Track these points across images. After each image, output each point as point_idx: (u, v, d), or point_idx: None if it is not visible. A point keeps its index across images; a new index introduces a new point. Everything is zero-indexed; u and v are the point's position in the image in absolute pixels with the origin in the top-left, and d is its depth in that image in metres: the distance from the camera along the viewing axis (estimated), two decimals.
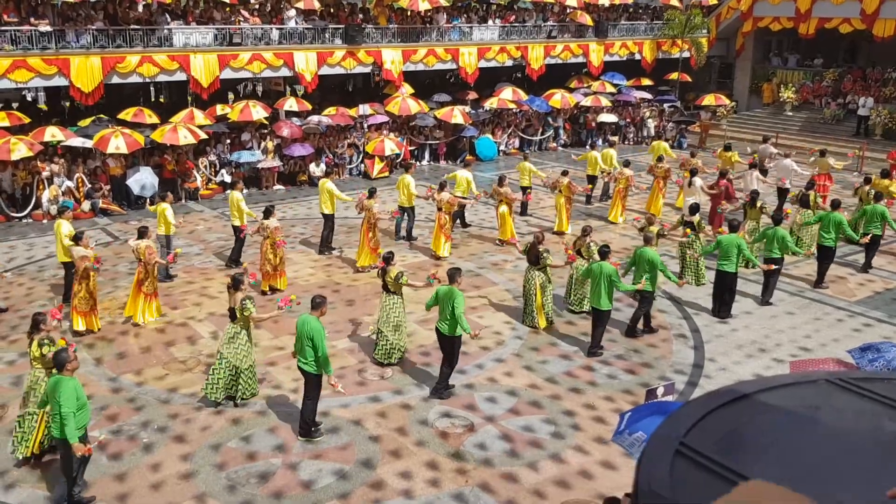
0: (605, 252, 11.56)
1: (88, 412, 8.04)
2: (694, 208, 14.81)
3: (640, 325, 12.48)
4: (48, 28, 20.72)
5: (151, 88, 29.65)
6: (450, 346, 10.20)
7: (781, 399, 1.81)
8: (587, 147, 27.52)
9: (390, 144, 23.73)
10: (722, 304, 13.24)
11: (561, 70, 32.19)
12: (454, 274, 10.24)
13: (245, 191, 16.49)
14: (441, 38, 28.22)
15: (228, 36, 23.58)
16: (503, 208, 16.99)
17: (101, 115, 22.98)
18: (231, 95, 29.75)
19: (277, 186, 23.05)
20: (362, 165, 24.64)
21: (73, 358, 7.85)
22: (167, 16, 23.38)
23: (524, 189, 19.23)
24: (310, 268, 15.70)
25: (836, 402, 1.81)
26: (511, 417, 9.88)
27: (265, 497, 8.27)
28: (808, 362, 8.23)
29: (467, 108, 27.23)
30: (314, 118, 24.10)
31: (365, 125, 25.32)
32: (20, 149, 18.47)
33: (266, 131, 23.76)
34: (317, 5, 26.24)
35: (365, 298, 13.92)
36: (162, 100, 29.86)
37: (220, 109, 24.02)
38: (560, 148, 29.43)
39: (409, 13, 28.29)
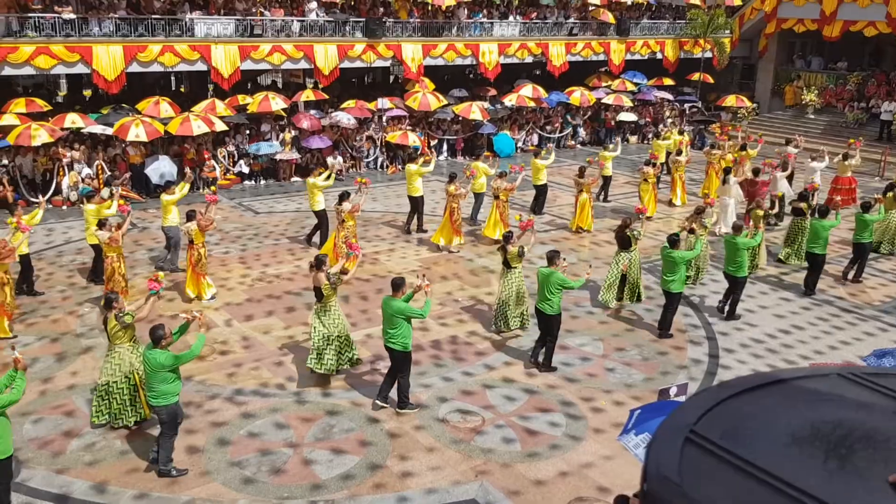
0: (552, 256, 10.94)
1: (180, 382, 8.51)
2: (803, 196, 15.87)
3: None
4: (72, 16, 20.88)
5: (172, 78, 29.81)
6: (555, 324, 10.80)
7: (793, 391, 1.81)
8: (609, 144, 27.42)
9: (412, 136, 23.84)
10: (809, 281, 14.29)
11: (581, 68, 32.05)
12: (553, 256, 10.81)
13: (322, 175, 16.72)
14: (461, 34, 28.18)
15: (249, 27, 23.67)
16: (584, 196, 17.74)
17: (123, 104, 23.13)
18: (249, 86, 29.87)
19: (295, 178, 23.12)
20: (381, 159, 24.72)
21: (168, 335, 8.30)
22: (189, 5, 23.51)
23: (607, 178, 20.46)
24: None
25: (847, 396, 1.80)
26: (522, 413, 9.87)
27: (275, 486, 8.31)
28: (828, 365, 8.15)
29: (486, 105, 27.19)
30: (337, 114, 24.08)
31: (384, 119, 25.35)
32: (41, 135, 18.66)
33: (284, 123, 23.84)
34: None
35: (378, 292, 13.93)
36: (182, 89, 30.02)
37: (241, 100, 24.13)
38: (578, 146, 29.33)
39: (430, 7, 28.26)
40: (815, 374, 1.89)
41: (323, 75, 25.05)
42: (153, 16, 22.38)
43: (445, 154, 26.59)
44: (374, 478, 8.45)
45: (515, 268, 11.93)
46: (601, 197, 20.53)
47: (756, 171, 18.09)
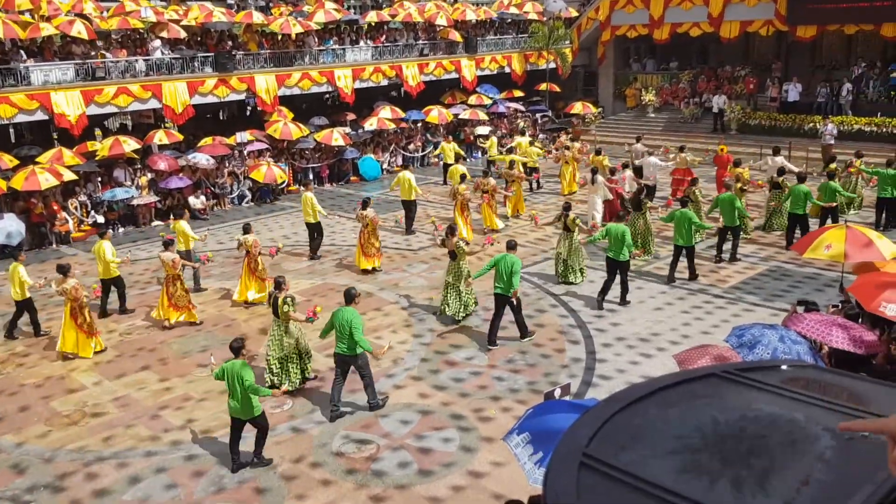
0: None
1: None
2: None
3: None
4: None
5: (11, 130, 27.93)
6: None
7: (675, 398, 1.90)
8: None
9: (277, 171, 23.28)
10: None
11: (437, 86, 32.64)
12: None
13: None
14: (315, 61, 28.05)
15: (91, 70, 22.58)
16: (514, 188, 20.42)
17: None
18: (99, 132, 28.44)
19: (156, 222, 22.20)
20: (248, 193, 24.15)
21: (359, 295, 10.45)
22: (22, 53, 22.17)
23: (532, 169, 23.61)
24: (200, 303, 15.11)
25: (728, 396, 1.91)
26: (415, 434, 9.90)
27: None
28: (691, 352, 8.48)
29: (347, 130, 27.16)
30: (195, 156, 23.23)
31: (245, 152, 24.82)
32: None
33: (139, 166, 22.87)
34: (182, 34, 25.56)
35: (251, 336, 13.62)
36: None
37: (90, 146, 22.93)
38: (441, 162, 29.76)
39: (279, 37, 27.98)
40: (693, 378, 1.99)
41: (175, 114, 24.22)
42: None
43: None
44: None
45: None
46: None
47: (612, 171, 19.55)
